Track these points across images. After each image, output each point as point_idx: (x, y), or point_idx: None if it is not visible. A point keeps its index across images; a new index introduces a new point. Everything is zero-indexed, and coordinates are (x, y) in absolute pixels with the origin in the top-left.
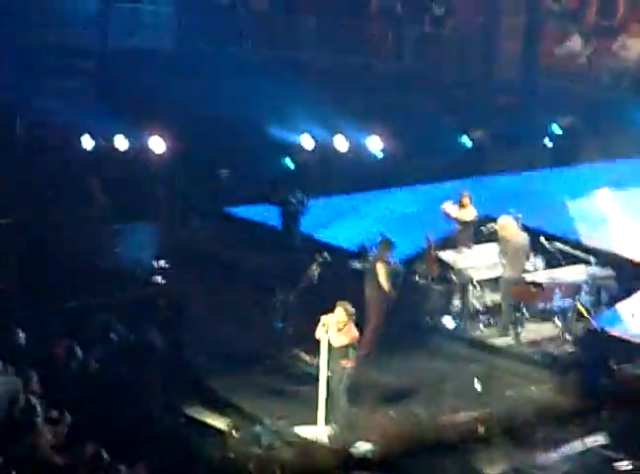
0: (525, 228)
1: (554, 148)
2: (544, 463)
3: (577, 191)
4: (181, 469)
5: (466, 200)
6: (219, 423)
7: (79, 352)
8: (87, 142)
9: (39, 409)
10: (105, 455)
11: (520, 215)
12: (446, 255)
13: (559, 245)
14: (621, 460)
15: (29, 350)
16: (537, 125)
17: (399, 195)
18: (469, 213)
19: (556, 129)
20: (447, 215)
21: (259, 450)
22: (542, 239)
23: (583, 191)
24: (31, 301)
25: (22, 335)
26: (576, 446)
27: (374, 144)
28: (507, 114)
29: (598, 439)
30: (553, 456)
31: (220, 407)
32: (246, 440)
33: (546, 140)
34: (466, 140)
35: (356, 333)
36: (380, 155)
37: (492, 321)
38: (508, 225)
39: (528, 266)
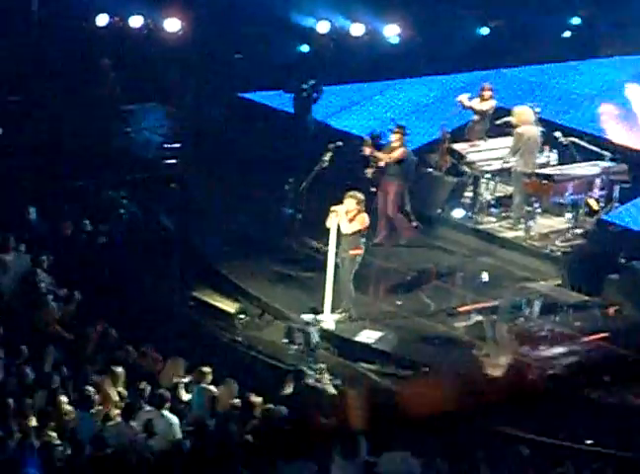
0: (542, 121)
1: (573, 40)
2: (549, 357)
3: (596, 85)
4: (189, 350)
5: (488, 93)
6: (228, 306)
7: (88, 227)
8: (102, 20)
9: (49, 286)
10: (114, 334)
11: (537, 108)
12: (460, 146)
13: (574, 139)
14: (626, 355)
15: (40, 227)
16: (556, 16)
17: (414, 84)
18: (489, 105)
19: (576, 21)
20: (465, 106)
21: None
22: (557, 133)
23: (602, 85)
24: (42, 179)
25: (33, 212)
26: (580, 341)
27: (391, 32)
28: (526, 4)
29: (602, 334)
30: (558, 350)
31: (229, 291)
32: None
33: (566, 32)
34: (484, 31)
35: (366, 221)
36: (396, 43)
37: (503, 214)
38: (523, 116)
39: (542, 159)
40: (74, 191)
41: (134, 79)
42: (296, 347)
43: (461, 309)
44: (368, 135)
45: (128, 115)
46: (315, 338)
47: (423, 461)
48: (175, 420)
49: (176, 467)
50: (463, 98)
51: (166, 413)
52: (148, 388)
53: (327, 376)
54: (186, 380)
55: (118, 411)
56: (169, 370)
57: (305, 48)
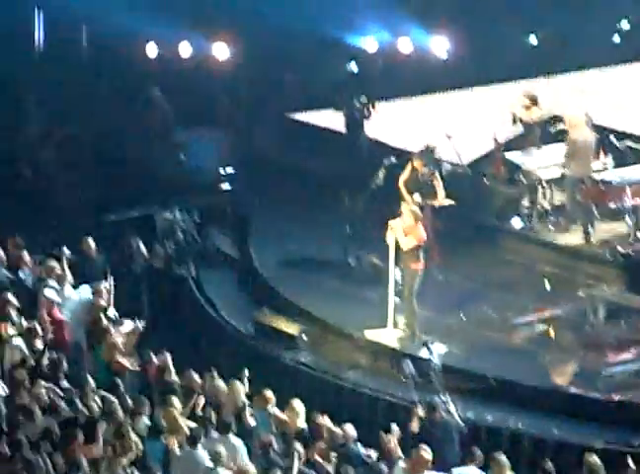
0: (595, 126)
1: (623, 44)
2: (615, 364)
3: None
4: (252, 374)
5: (531, 101)
6: (289, 328)
7: (145, 254)
8: (151, 50)
9: (110, 316)
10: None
11: (589, 114)
12: (514, 155)
13: (629, 143)
14: None
15: (98, 257)
16: (605, 21)
17: (465, 96)
18: (535, 113)
19: (625, 25)
20: (514, 117)
21: None
22: (612, 137)
23: None
24: (98, 210)
25: (90, 242)
26: None
27: (439, 46)
28: (573, 10)
29: None
30: (624, 357)
31: (290, 313)
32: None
33: (615, 36)
34: (533, 39)
35: (423, 235)
36: (445, 57)
37: (561, 221)
38: (575, 122)
39: (598, 164)
40: (129, 220)
41: (186, 107)
42: (409, 376)
43: (525, 319)
44: (421, 150)
45: (182, 142)
46: (436, 366)
47: None
48: (241, 444)
49: None
50: (515, 106)
51: (232, 438)
52: (214, 415)
53: (453, 408)
54: (249, 405)
55: (184, 439)
56: (233, 396)
57: (354, 66)
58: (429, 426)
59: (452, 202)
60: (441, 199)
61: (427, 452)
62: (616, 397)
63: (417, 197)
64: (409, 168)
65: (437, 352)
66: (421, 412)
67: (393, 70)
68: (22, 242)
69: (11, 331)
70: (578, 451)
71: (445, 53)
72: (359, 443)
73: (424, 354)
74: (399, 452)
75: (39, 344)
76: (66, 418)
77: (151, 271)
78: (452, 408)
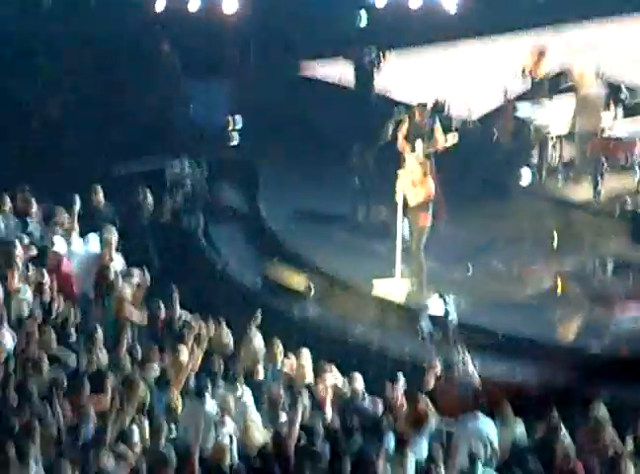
0: (605, 80)
1: None
2: (623, 318)
3: None
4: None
5: (541, 55)
6: (297, 281)
7: (151, 202)
8: (159, 3)
9: (119, 267)
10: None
11: (599, 67)
12: (524, 110)
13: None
14: None
15: (106, 206)
16: None
17: (474, 48)
18: (544, 67)
19: None
20: (524, 70)
21: None
22: (622, 91)
23: None
24: (105, 159)
25: (99, 192)
26: None
27: None
28: None
29: None
30: (632, 311)
31: (298, 266)
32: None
33: None
34: None
35: (432, 189)
36: (454, 9)
37: (571, 176)
38: (585, 76)
39: (608, 118)
40: (138, 172)
41: (194, 59)
42: (427, 333)
43: (533, 273)
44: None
45: (190, 94)
46: (453, 320)
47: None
48: (249, 395)
49: None
50: (524, 59)
51: (240, 389)
52: (222, 365)
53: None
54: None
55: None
56: (248, 347)
57: (364, 18)
58: (444, 382)
59: (454, 142)
60: (442, 144)
61: (426, 399)
62: (625, 351)
63: (418, 143)
64: (406, 122)
65: (453, 304)
66: (438, 368)
67: (402, 22)
68: (30, 196)
69: (19, 283)
70: (584, 402)
71: (455, 5)
72: (366, 394)
73: (437, 306)
74: (404, 402)
75: (47, 295)
76: (74, 369)
77: (160, 223)
78: (470, 365)
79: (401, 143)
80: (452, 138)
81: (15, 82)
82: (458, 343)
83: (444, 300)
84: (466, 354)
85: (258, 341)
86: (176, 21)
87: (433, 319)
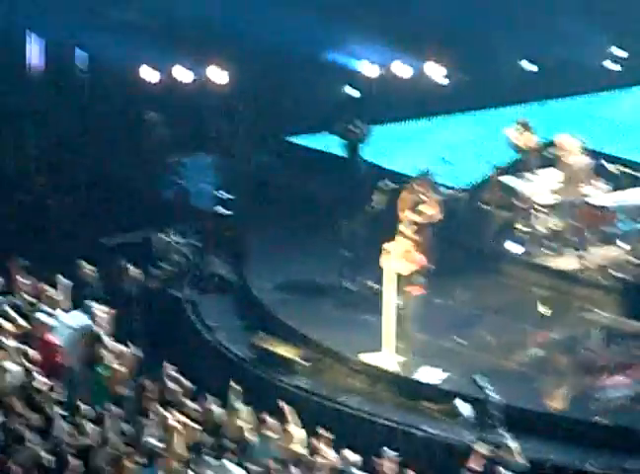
0: (588, 151)
1: (617, 70)
2: (609, 388)
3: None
4: (251, 399)
5: (525, 127)
6: (287, 352)
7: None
8: (148, 74)
9: (108, 343)
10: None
11: (582, 139)
12: (510, 180)
13: (622, 168)
14: None
15: (94, 282)
16: (598, 48)
17: (462, 120)
18: (529, 139)
19: (617, 51)
20: (510, 141)
21: None
22: (604, 162)
23: None
24: (95, 234)
25: (85, 267)
26: None
27: (435, 70)
28: (567, 36)
29: None
30: (618, 381)
31: (288, 337)
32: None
33: (609, 62)
34: (528, 64)
35: (422, 259)
36: (442, 81)
37: (556, 246)
38: (567, 145)
39: (591, 189)
40: (126, 244)
41: (182, 130)
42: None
43: (521, 343)
44: (419, 174)
45: (179, 166)
46: (495, 402)
47: None
48: (237, 470)
49: None
50: (509, 131)
51: (228, 464)
52: (210, 440)
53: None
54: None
55: (181, 465)
56: (233, 420)
57: (352, 90)
58: (489, 466)
59: (441, 217)
60: (435, 215)
61: None
62: (611, 421)
63: (410, 214)
64: (408, 191)
65: (489, 386)
66: (484, 451)
67: (390, 94)
68: (21, 265)
69: (2, 354)
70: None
71: (442, 78)
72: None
73: (421, 376)
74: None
75: (31, 368)
76: (59, 444)
77: (147, 294)
78: (515, 447)
79: (401, 213)
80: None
81: (1, 154)
82: (501, 425)
83: (483, 382)
84: (509, 437)
85: (242, 413)
86: (164, 92)
87: (472, 402)
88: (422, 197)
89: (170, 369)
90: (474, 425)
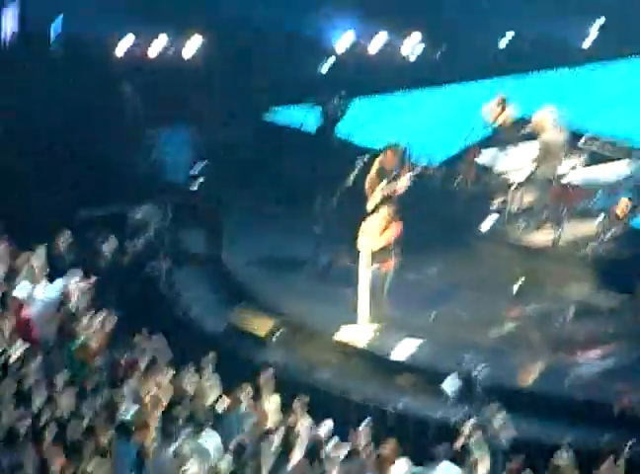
0: (564, 127)
1: (597, 42)
2: (583, 363)
3: (621, 87)
4: (224, 373)
5: (501, 102)
6: (261, 327)
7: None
8: (121, 47)
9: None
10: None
11: (558, 113)
12: (484, 156)
13: (599, 143)
14: None
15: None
16: (576, 21)
17: (439, 94)
18: (506, 115)
19: (595, 25)
20: (487, 117)
21: None
22: (582, 138)
23: (627, 87)
24: (71, 206)
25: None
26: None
27: (413, 43)
28: (546, 9)
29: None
30: (592, 356)
31: (262, 311)
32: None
33: (587, 36)
34: (505, 37)
35: (393, 235)
36: (419, 54)
37: (531, 222)
38: (543, 121)
39: (567, 165)
40: (100, 217)
41: (156, 104)
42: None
43: (495, 318)
44: (387, 145)
45: (154, 139)
46: (479, 380)
47: None
48: (214, 443)
49: None
50: (486, 106)
51: (204, 436)
52: (185, 412)
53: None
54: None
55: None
56: (205, 393)
57: (327, 64)
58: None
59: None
60: (403, 187)
61: (393, 446)
62: (584, 396)
63: (380, 186)
64: (376, 164)
65: (477, 366)
66: (467, 430)
67: (365, 68)
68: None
69: None
70: (545, 449)
71: (419, 51)
72: (331, 440)
73: (404, 350)
74: (369, 448)
75: (6, 339)
76: (36, 415)
77: (122, 268)
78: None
79: (368, 184)
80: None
81: None
82: (490, 402)
83: (470, 361)
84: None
85: (215, 386)
86: (138, 65)
87: (460, 380)
88: (390, 168)
89: (144, 341)
90: (459, 401)
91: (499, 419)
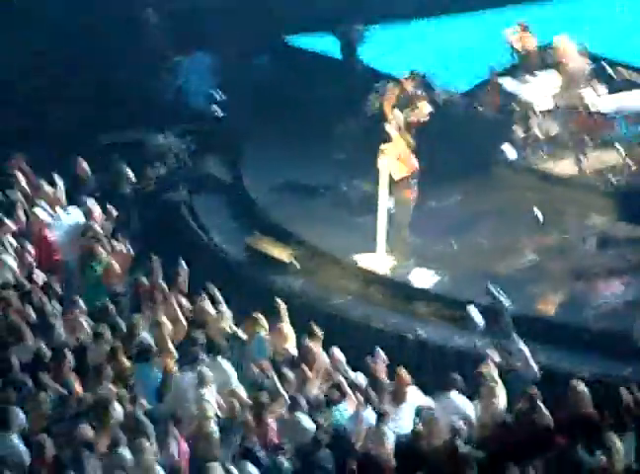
0: (587, 54)
1: None
2: (604, 294)
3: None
4: (243, 298)
5: (524, 29)
6: (281, 253)
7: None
8: None
9: (103, 237)
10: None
11: (582, 41)
12: (509, 85)
13: (624, 71)
14: None
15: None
16: None
17: (461, 22)
18: (528, 42)
19: None
20: (509, 44)
21: None
22: (605, 65)
23: None
24: (92, 131)
25: (84, 164)
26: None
27: None
28: None
29: None
30: (613, 287)
31: (281, 237)
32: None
33: None
34: None
35: (415, 163)
36: None
37: (554, 150)
38: (566, 48)
39: (590, 93)
40: (122, 143)
41: (181, 30)
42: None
43: (516, 247)
44: (409, 73)
45: (177, 66)
46: (507, 309)
47: None
48: (231, 367)
49: None
50: (509, 34)
51: (222, 361)
52: (203, 337)
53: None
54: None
55: (174, 363)
56: (218, 319)
57: None
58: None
59: (431, 110)
60: (423, 114)
61: (404, 373)
62: (604, 326)
63: (398, 113)
64: (396, 91)
65: (503, 294)
66: (495, 357)
67: None
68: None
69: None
70: (564, 380)
71: None
72: (348, 368)
73: (421, 278)
74: (385, 376)
75: (29, 264)
76: (57, 340)
77: (142, 194)
78: (527, 354)
79: (387, 110)
80: (426, 108)
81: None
82: (513, 332)
83: (496, 291)
84: (523, 344)
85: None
86: None
87: (484, 310)
88: (410, 96)
89: (159, 266)
90: (484, 331)
91: (522, 349)
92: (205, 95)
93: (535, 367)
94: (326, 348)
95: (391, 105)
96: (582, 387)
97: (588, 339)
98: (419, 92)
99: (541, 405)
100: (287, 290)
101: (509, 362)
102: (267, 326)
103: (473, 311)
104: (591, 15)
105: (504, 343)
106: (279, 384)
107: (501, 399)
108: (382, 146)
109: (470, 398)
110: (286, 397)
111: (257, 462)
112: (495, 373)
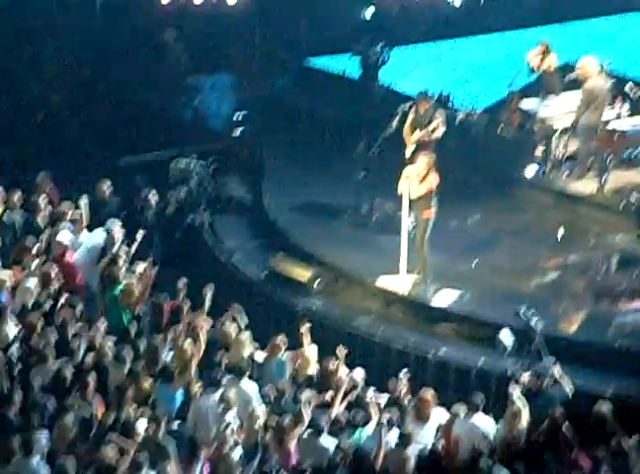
0: (611, 74)
1: None
2: (626, 313)
3: None
4: (265, 320)
5: (544, 49)
6: (302, 274)
7: (155, 196)
8: None
9: (124, 259)
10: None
11: (606, 61)
12: (529, 104)
13: None
14: None
15: (112, 200)
16: None
17: (482, 42)
18: (550, 61)
19: None
20: (530, 64)
21: None
22: (628, 85)
23: None
24: (113, 153)
25: (106, 186)
26: None
27: None
28: None
29: None
30: (635, 306)
31: (303, 259)
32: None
33: None
34: None
35: (435, 181)
36: (462, 1)
37: (575, 170)
38: (587, 68)
39: (613, 113)
40: (143, 165)
41: (200, 52)
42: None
43: (538, 267)
44: (419, 94)
45: (196, 87)
46: (538, 334)
47: None
48: (253, 389)
49: None
50: (530, 54)
51: (244, 383)
52: (225, 359)
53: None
54: (260, 351)
55: (198, 385)
56: (238, 342)
57: (370, 12)
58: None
59: (443, 131)
60: (437, 133)
61: (429, 393)
62: (627, 346)
63: (416, 133)
64: (412, 112)
65: (535, 317)
66: (526, 379)
67: (409, 15)
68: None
69: (24, 274)
70: (588, 400)
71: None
72: (370, 388)
73: (440, 299)
74: (408, 396)
75: (52, 287)
76: (79, 361)
77: (164, 216)
78: (559, 375)
79: (405, 133)
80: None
81: (20, 75)
82: (546, 354)
83: (527, 312)
84: (557, 365)
85: (241, 335)
86: (181, 12)
87: (516, 332)
88: (423, 115)
89: (184, 287)
90: (515, 353)
91: (555, 371)
92: (225, 115)
93: (568, 388)
94: (348, 367)
95: (410, 126)
96: (606, 407)
97: (610, 358)
98: (433, 112)
99: (566, 426)
100: (309, 311)
101: (537, 384)
102: (286, 347)
103: (505, 334)
104: (612, 34)
105: (533, 364)
106: (300, 405)
107: (524, 420)
108: (405, 170)
109: (493, 417)
110: (307, 418)
111: None
112: (520, 395)
